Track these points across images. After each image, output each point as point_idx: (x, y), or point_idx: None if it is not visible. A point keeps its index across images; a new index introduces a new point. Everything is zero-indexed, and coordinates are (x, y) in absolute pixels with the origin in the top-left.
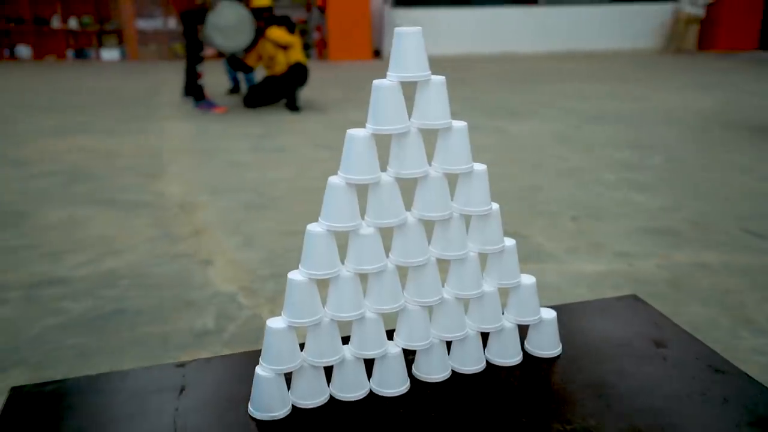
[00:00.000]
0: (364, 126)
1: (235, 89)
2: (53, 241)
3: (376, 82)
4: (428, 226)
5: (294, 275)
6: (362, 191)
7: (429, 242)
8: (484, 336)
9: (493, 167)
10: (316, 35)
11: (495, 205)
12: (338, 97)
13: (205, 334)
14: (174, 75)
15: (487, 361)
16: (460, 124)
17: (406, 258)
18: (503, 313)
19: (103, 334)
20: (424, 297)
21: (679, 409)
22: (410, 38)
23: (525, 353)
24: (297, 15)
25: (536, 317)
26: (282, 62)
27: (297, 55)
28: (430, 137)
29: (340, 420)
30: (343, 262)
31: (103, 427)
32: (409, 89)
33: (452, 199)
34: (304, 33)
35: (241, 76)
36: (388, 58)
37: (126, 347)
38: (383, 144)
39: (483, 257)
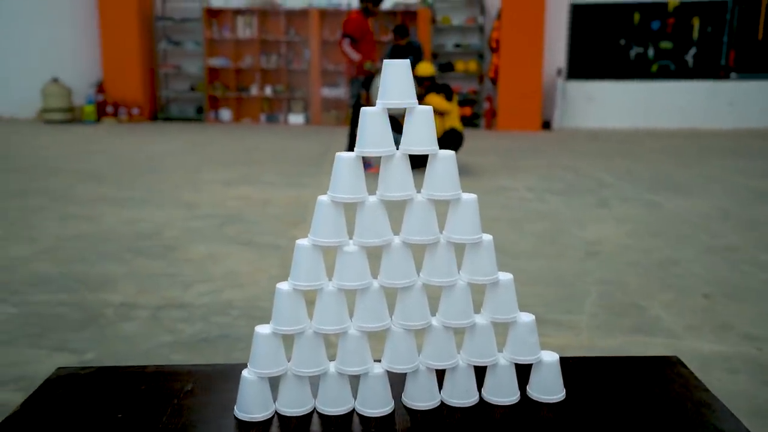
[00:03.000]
0: (504, 187)
1: None
2: (190, 272)
3: (363, 109)
4: (420, 252)
5: (281, 285)
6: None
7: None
8: (482, 372)
9: (630, 238)
10: (485, 105)
11: (487, 236)
12: (494, 164)
13: None
14: (345, 138)
15: (483, 399)
16: (446, 153)
17: (391, 279)
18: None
19: (202, 354)
20: (409, 320)
21: None
22: (397, 69)
23: (526, 396)
24: (469, 86)
25: (534, 357)
26: (438, 128)
27: (453, 121)
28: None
29: (312, 431)
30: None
31: (113, 403)
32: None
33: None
34: (474, 103)
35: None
36: (558, 130)
37: None
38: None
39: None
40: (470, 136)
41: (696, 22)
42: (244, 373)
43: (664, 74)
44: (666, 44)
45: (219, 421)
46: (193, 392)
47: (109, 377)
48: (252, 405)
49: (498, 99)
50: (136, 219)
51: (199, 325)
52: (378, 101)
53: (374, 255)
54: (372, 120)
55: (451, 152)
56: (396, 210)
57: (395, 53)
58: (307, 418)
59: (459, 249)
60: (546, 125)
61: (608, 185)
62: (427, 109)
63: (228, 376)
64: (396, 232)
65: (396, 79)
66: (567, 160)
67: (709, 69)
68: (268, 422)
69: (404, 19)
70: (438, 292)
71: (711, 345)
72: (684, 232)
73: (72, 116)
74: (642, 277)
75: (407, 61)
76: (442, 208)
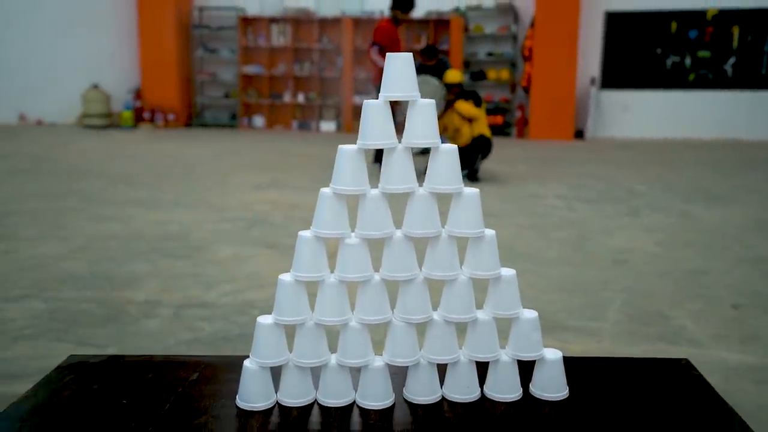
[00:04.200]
0: (539, 196)
1: None
2: (214, 272)
3: (365, 101)
4: (423, 245)
5: (283, 276)
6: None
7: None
8: (484, 368)
9: (660, 248)
10: (517, 114)
11: (489, 231)
12: (524, 172)
13: None
14: None
15: (484, 395)
16: (449, 147)
17: (392, 272)
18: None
19: (220, 351)
20: (409, 314)
21: None
22: (399, 62)
23: (528, 393)
24: (501, 95)
25: (536, 354)
26: (467, 134)
27: (481, 128)
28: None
29: (312, 422)
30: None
31: (119, 390)
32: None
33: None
34: (505, 112)
35: None
36: (591, 139)
37: None
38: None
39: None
40: (501, 144)
41: (736, 31)
42: (246, 362)
43: (701, 84)
44: (704, 53)
45: (221, 409)
46: (198, 381)
47: (118, 365)
48: (253, 394)
49: (530, 108)
50: (165, 221)
51: (220, 323)
52: (381, 94)
53: (378, 248)
54: (373, 112)
55: (453, 146)
56: (401, 203)
57: (423, 71)
58: (307, 408)
59: (463, 244)
60: (579, 134)
61: (640, 195)
62: (428, 103)
63: (233, 366)
64: (399, 225)
65: (398, 72)
66: (599, 169)
67: (749, 79)
68: (268, 411)
69: (436, 27)
70: (440, 286)
71: (738, 356)
72: (716, 243)
73: (110, 121)
74: (669, 286)
75: (410, 54)
76: (446, 204)
